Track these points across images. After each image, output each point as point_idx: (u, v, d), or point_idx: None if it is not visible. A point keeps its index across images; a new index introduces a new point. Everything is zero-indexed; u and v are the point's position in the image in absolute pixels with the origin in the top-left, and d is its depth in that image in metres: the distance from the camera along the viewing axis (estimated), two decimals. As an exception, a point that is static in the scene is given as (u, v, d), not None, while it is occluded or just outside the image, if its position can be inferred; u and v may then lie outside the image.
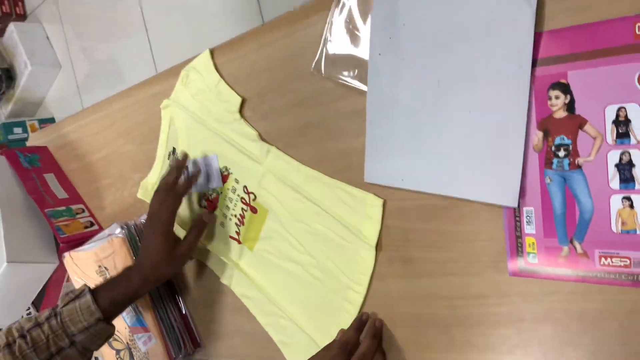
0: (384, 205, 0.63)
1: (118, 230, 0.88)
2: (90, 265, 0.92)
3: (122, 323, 0.90)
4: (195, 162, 0.82)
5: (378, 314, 0.66)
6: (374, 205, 0.64)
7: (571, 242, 0.51)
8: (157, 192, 0.77)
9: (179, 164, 0.78)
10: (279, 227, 0.74)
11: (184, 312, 0.91)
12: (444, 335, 0.61)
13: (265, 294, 0.77)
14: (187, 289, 0.91)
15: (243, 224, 0.78)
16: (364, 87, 0.62)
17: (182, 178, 0.78)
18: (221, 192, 0.81)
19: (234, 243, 0.80)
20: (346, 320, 0.68)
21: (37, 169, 1.07)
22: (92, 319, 0.69)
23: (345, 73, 0.64)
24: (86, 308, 0.70)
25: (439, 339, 0.61)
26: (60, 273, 1.05)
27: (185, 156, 0.80)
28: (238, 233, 0.79)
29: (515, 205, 0.52)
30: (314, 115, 0.68)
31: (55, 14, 2.75)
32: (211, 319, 0.88)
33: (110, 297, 0.72)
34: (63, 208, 1.03)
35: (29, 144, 1.16)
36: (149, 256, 0.74)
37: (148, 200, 0.90)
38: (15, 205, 0.99)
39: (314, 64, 0.66)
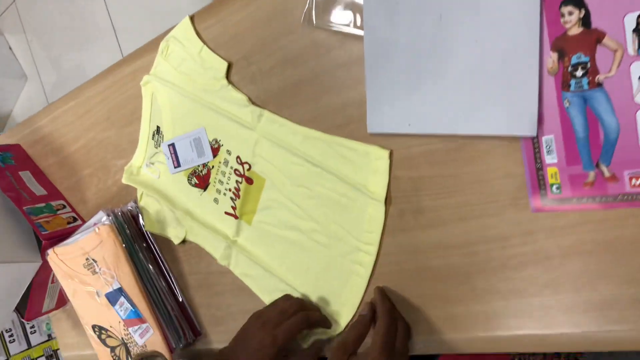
0: (390, 156, 0.60)
1: (104, 218, 0.83)
2: (76, 260, 0.87)
3: (115, 317, 0.85)
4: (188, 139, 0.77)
5: (390, 272, 0.62)
6: (379, 157, 0.60)
7: (597, 166, 0.48)
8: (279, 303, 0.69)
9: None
10: (277, 195, 0.70)
11: (180, 299, 0.85)
12: (465, 285, 0.58)
13: (268, 269, 0.73)
14: (182, 276, 0.86)
15: (239, 197, 0.74)
16: (359, 32, 0.58)
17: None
18: (212, 167, 0.76)
19: (230, 219, 0.76)
20: (358, 284, 0.64)
21: (10, 167, 1.01)
22: None
23: (339, 19, 0.60)
24: None
25: (460, 290, 0.58)
26: (44, 274, 0.98)
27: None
28: (234, 208, 0.75)
29: (534, 134, 0.49)
30: (307, 70, 0.64)
31: (17, 24, 2.67)
32: (210, 303, 0.83)
33: None
34: (42, 204, 0.97)
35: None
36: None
37: (134, 185, 0.85)
38: (-9, 204, 0.93)
39: (303, 15, 0.62)
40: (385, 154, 0.60)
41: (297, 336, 0.67)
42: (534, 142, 0.50)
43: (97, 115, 0.91)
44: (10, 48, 2.74)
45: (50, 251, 0.89)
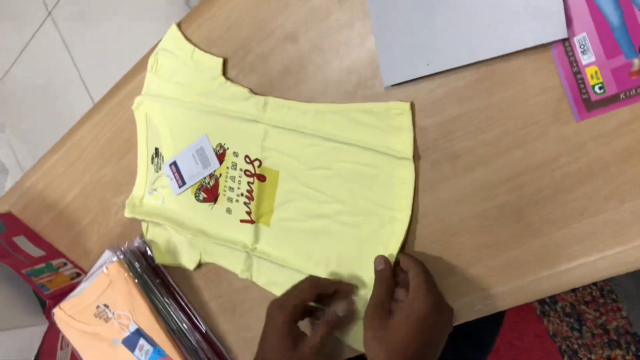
0: (412, 107, 0.57)
1: (110, 256, 0.77)
2: (86, 311, 0.80)
3: (137, 363, 0.77)
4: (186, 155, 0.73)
5: (433, 232, 0.58)
6: (400, 112, 0.57)
7: None
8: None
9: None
10: (295, 185, 0.66)
11: (204, 330, 0.78)
12: (517, 223, 0.53)
13: (295, 268, 0.67)
14: (203, 305, 0.79)
15: (253, 199, 0.69)
16: (358, -14, 0.57)
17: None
18: (220, 175, 0.72)
19: (246, 226, 0.71)
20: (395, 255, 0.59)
21: (3, 235, 0.95)
22: None
23: (333, -19, 0.59)
24: None
25: (513, 229, 0.54)
26: (51, 341, 0.90)
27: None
28: (249, 212, 0.70)
29: (565, 35, 0.47)
30: (308, 42, 0.62)
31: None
32: (239, 326, 0.76)
33: None
34: (42, 265, 0.91)
35: (-12, 212, 1.03)
36: (265, 354, 0.58)
37: (138, 217, 0.79)
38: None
39: (296, -14, 0.61)
40: (405, 106, 0.56)
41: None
42: (566, 47, 0.48)
43: (89, 156, 0.87)
44: (-13, 146, 2.70)
45: (56, 309, 0.82)
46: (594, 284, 1.23)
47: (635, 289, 1.19)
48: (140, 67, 0.78)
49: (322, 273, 0.65)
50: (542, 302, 1.31)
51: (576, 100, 0.48)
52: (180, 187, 0.76)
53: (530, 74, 0.50)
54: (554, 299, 1.29)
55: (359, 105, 0.60)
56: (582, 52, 0.47)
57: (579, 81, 0.48)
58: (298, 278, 0.67)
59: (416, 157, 0.57)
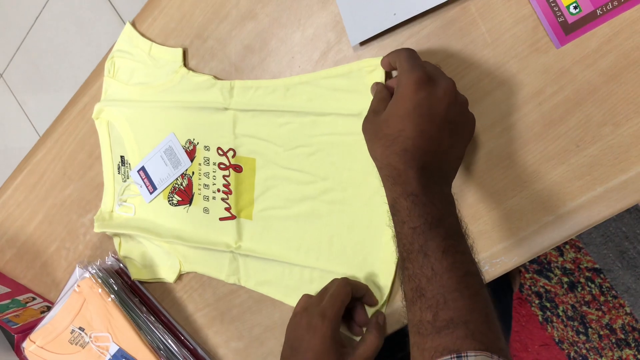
0: None
1: (80, 273, 0.71)
2: (60, 338, 0.73)
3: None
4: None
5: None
6: (373, 68, 0.54)
7: (609, -39, 0.43)
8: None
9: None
10: (274, 170, 0.62)
11: (192, 347, 0.72)
12: (511, 168, 0.50)
13: (286, 260, 0.62)
14: (188, 318, 0.73)
15: (231, 192, 0.65)
16: (312, -53, 0.55)
17: None
18: (192, 173, 0.67)
19: (227, 224, 0.66)
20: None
21: (-37, 275, 0.88)
22: None
23: (286, -54, 0.56)
24: None
25: (507, 176, 0.51)
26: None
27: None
28: (228, 208, 0.65)
29: (531, -44, 0.45)
30: (267, 17, 0.60)
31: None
32: (230, 336, 0.70)
33: None
34: (8, 301, 0.83)
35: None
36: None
37: (109, 231, 0.74)
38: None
39: (248, -40, 0.58)
40: (377, 61, 0.53)
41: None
42: (533, -30, 0.46)
43: (51, 177, 0.81)
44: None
45: (26, 343, 0.75)
46: (592, 281, 1.19)
47: (634, 282, 1.16)
48: (98, 73, 0.74)
49: (314, 262, 0.61)
50: (543, 308, 1.27)
51: (553, 25, 0.46)
52: (151, 193, 0.71)
53: (500, 7, 0.48)
54: (554, 304, 1.25)
55: (328, 70, 0.56)
56: (551, -27, 0.45)
57: (552, 4, 0.46)
58: (289, 272, 0.62)
59: None
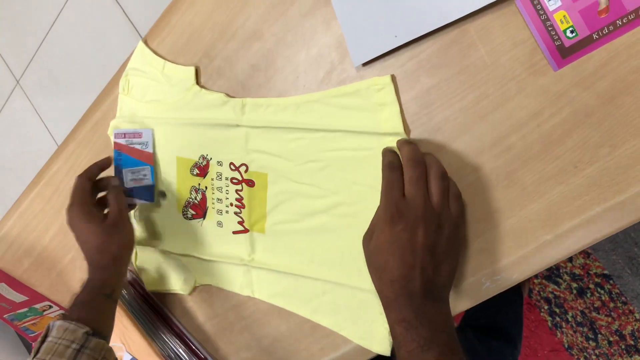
0: (393, 80, 0.55)
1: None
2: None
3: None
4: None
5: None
6: (381, 87, 0.55)
7: (604, -12, 0.44)
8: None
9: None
10: (285, 185, 0.63)
11: (203, 356, 0.74)
12: (511, 188, 0.51)
13: (298, 273, 0.64)
14: (199, 327, 0.75)
15: (244, 206, 0.66)
16: (315, -29, 0.56)
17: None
18: (206, 188, 0.69)
19: (240, 237, 0.68)
20: None
21: (-17, 283, 0.91)
22: (77, 337, 0.54)
23: (290, -31, 0.58)
24: (64, 331, 0.54)
25: (507, 195, 0.51)
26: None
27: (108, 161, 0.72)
28: (241, 222, 0.67)
29: (528, -18, 0.46)
30: (273, 36, 0.61)
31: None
32: (239, 346, 0.72)
33: (80, 303, 0.60)
34: (25, 309, 0.86)
35: (-33, 265, 0.99)
36: (88, 243, 0.65)
37: None
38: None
39: (254, -18, 0.60)
40: (386, 79, 0.54)
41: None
42: (530, -4, 0.47)
43: (67, 189, 0.84)
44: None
45: (43, 351, 0.77)
46: (601, 287, 1.19)
47: (644, 289, 1.16)
48: (111, 88, 0.76)
49: (326, 275, 0.62)
50: (552, 314, 1.27)
51: (550, 49, 0.47)
52: (148, 200, 0.73)
53: (499, 30, 0.49)
54: (563, 309, 1.25)
55: (338, 89, 0.58)
56: (548, -2, 0.46)
57: (549, 28, 0.46)
58: (302, 285, 0.64)
59: (407, 130, 0.55)
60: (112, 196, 0.68)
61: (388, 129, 0.55)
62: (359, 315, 0.61)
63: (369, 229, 0.52)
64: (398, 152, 0.52)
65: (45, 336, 0.56)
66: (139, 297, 0.76)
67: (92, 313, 0.60)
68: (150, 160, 0.71)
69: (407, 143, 0.52)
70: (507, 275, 0.53)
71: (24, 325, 0.82)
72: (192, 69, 0.67)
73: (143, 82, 0.71)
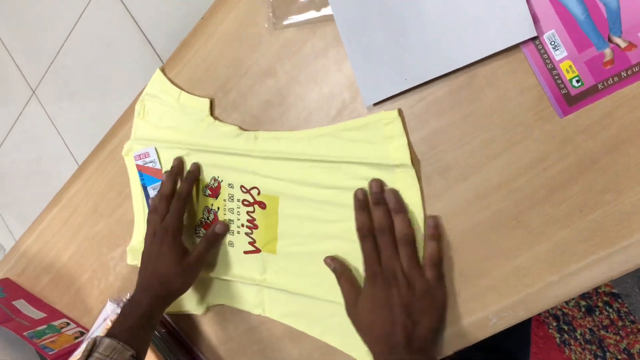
0: (400, 114, 0.56)
1: (113, 308, 0.75)
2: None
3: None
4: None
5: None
6: (389, 121, 0.56)
7: (610, 40, 0.45)
8: (153, 208, 0.70)
9: (172, 170, 0.71)
10: (296, 209, 0.65)
11: (217, 378, 0.76)
12: (517, 229, 0.52)
13: (310, 295, 0.65)
14: (211, 349, 0.77)
15: (256, 227, 0.68)
16: (327, 12, 0.58)
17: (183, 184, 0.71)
18: (218, 209, 0.71)
19: (251, 257, 0.69)
20: None
21: (2, 299, 0.94)
22: (124, 358, 0.58)
23: (301, 10, 0.59)
24: (112, 350, 0.57)
25: (514, 236, 0.52)
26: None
27: (179, 161, 0.72)
28: (253, 242, 0.69)
29: (534, 33, 0.47)
30: (285, 74, 0.63)
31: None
32: (251, 368, 0.74)
33: (128, 328, 0.61)
34: (44, 326, 0.89)
35: (-14, 281, 1.02)
36: (157, 269, 0.66)
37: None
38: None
39: (267, 21, 0.62)
40: (393, 114, 0.56)
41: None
42: (537, 45, 0.48)
43: (83, 212, 0.86)
44: (-17, 226, 2.70)
45: (61, 370, 0.80)
46: (610, 305, 1.20)
47: (653, 309, 1.16)
48: (127, 117, 0.78)
49: (336, 297, 0.63)
50: (560, 330, 1.27)
51: (556, 97, 0.48)
52: None
53: (506, 76, 0.50)
54: (572, 327, 1.26)
55: (347, 123, 0.59)
56: (553, 48, 0.47)
57: (556, 77, 0.48)
58: (313, 305, 0.65)
59: (415, 162, 0.56)
60: (205, 244, 0.69)
61: (396, 161, 0.56)
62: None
63: (348, 297, 0.58)
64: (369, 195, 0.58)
65: (91, 350, 0.58)
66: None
67: (137, 340, 0.62)
68: (161, 175, 0.74)
69: (377, 206, 0.57)
70: (514, 312, 0.54)
71: (42, 342, 0.85)
72: (207, 101, 0.68)
73: (159, 108, 0.73)
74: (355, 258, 0.61)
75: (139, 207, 0.78)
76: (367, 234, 0.57)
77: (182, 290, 0.69)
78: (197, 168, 0.71)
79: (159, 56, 1.67)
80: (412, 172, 0.56)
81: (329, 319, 0.65)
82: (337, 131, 0.60)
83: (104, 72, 1.89)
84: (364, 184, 0.59)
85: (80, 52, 1.92)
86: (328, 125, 0.61)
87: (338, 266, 0.61)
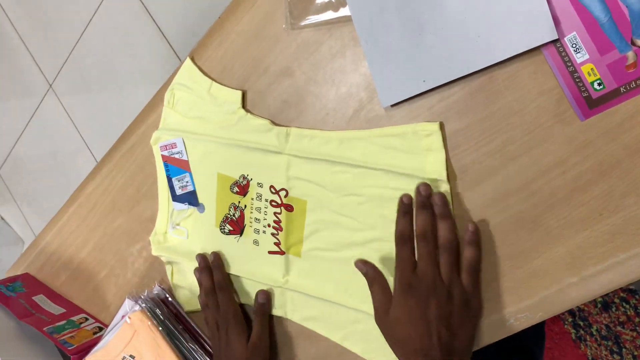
0: (441, 128, 0.55)
1: (131, 305, 0.76)
2: (112, 364, 0.79)
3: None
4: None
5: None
6: (429, 133, 0.55)
7: (633, 43, 0.45)
8: (204, 305, 0.73)
9: (202, 267, 0.73)
10: (324, 214, 0.64)
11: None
12: (536, 231, 0.52)
13: (332, 300, 0.66)
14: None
15: (281, 229, 0.68)
16: (345, 13, 0.57)
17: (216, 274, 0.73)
18: (245, 207, 0.71)
19: (276, 258, 0.70)
20: None
21: (22, 294, 0.95)
22: None
23: (320, 10, 0.59)
24: None
25: (532, 238, 0.52)
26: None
27: (203, 257, 0.74)
28: (278, 243, 0.69)
29: (555, 35, 0.47)
30: (303, 74, 0.63)
31: (6, 194, 2.69)
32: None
33: None
34: (64, 322, 0.90)
35: (7, 276, 1.04)
36: (230, 357, 0.68)
37: (165, 254, 0.79)
38: (9, 331, 0.87)
39: (285, 21, 0.62)
40: (435, 126, 0.55)
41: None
42: (558, 47, 0.48)
43: (102, 209, 0.87)
44: (2, 218, 2.74)
45: (81, 364, 0.81)
46: (627, 302, 1.19)
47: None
48: (145, 114, 0.79)
49: (359, 305, 0.63)
50: (576, 326, 1.27)
51: (577, 99, 0.48)
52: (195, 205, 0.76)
53: (527, 79, 0.50)
54: (588, 322, 1.25)
55: (385, 129, 0.58)
56: (575, 50, 0.47)
57: (577, 80, 0.47)
58: (336, 312, 0.65)
59: (451, 177, 0.56)
60: (257, 319, 0.70)
61: (431, 175, 0.56)
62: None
63: (379, 304, 0.57)
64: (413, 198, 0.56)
65: None
66: (171, 316, 0.79)
67: None
68: (188, 167, 0.74)
69: (422, 210, 0.54)
70: (531, 314, 0.54)
71: (62, 338, 0.86)
72: (239, 93, 0.68)
73: (189, 97, 0.73)
74: (380, 267, 0.61)
75: (164, 196, 0.78)
76: (407, 239, 0.55)
77: None
78: (218, 257, 0.73)
79: (174, 51, 1.68)
80: (447, 187, 0.55)
81: (351, 326, 0.65)
82: (372, 137, 0.59)
83: (120, 66, 1.90)
84: (391, 194, 0.58)
85: (97, 46, 1.93)
86: (346, 128, 0.61)
87: (370, 271, 0.59)
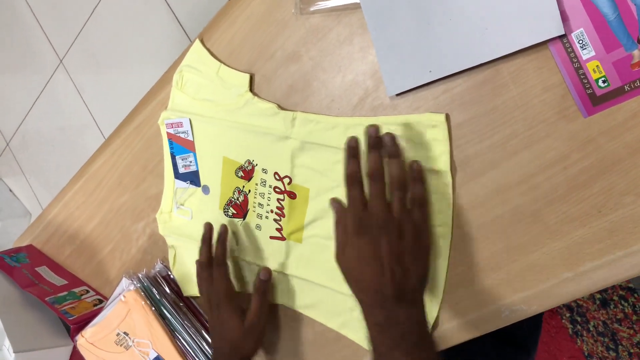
0: (447, 119, 0.55)
1: (128, 284, 0.78)
2: (107, 338, 0.81)
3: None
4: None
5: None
6: (435, 124, 0.56)
7: (639, 41, 0.45)
8: (198, 275, 0.72)
9: (204, 238, 0.73)
10: (326, 202, 0.65)
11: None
12: (534, 225, 0.53)
13: (329, 288, 0.67)
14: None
15: (284, 215, 0.69)
16: (353, 0, 0.57)
17: (216, 248, 0.73)
18: (249, 191, 0.72)
19: (276, 243, 0.71)
20: (441, 271, 0.58)
21: (26, 265, 0.97)
22: None
23: (330, -4, 0.59)
24: None
25: (530, 231, 0.53)
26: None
27: (209, 227, 0.73)
28: (280, 229, 0.70)
29: (562, 31, 0.47)
30: (310, 60, 0.63)
31: (15, 167, 2.71)
32: (266, 347, 0.76)
33: None
34: (65, 293, 0.92)
35: (13, 246, 1.06)
36: (224, 337, 0.68)
37: (170, 234, 0.80)
38: (13, 299, 0.90)
39: (294, 6, 0.62)
40: (441, 117, 0.55)
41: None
42: (564, 43, 0.48)
43: (108, 185, 0.88)
44: (10, 190, 2.77)
45: (78, 336, 0.84)
46: (625, 299, 1.19)
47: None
48: (153, 93, 0.79)
49: None
50: (573, 321, 1.27)
51: (581, 96, 0.48)
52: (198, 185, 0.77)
53: (532, 73, 0.50)
54: (585, 318, 1.26)
55: (390, 118, 0.59)
56: (581, 47, 0.47)
57: (582, 76, 0.47)
58: (332, 299, 0.66)
59: (453, 168, 0.56)
60: (257, 296, 0.68)
61: (434, 166, 0.56)
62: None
63: (337, 244, 0.56)
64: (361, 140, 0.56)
65: None
66: (173, 293, 0.80)
67: None
68: (193, 147, 0.75)
69: (373, 150, 0.54)
70: (526, 306, 0.55)
71: (63, 308, 0.88)
72: (247, 76, 0.68)
73: (197, 79, 0.73)
74: None
75: (170, 176, 0.79)
76: (356, 180, 0.54)
77: (255, 349, 0.69)
78: (225, 230, 0.72)
79: (184, 31, 1.68)
80: (449, 179, 0.56)
81: (348, 313, 0.66)
82: (378, 124, 0.59)
83: (130, 44, 1.90)
84: None
85: (108, 24, 1.94)
86: (351, 115, 0.61)
87: (339, 209, 0.58)
